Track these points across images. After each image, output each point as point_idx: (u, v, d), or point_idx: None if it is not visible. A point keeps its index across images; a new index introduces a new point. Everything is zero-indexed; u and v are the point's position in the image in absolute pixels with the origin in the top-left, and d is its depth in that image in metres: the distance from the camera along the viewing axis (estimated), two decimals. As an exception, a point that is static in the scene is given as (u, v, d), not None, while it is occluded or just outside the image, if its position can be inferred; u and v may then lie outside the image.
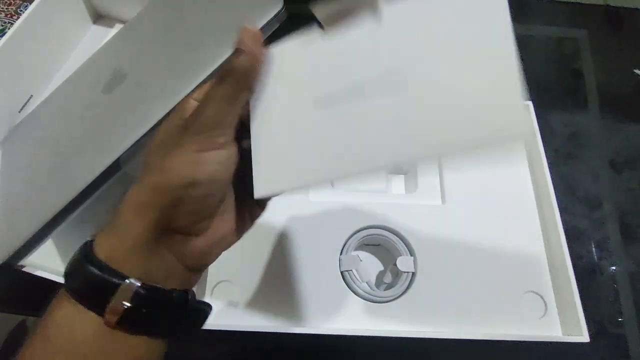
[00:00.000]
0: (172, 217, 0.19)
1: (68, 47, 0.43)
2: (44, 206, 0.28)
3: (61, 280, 0.30)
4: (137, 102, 0.29)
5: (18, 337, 0.39)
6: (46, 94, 0.39)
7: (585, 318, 0.29)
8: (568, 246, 0.38)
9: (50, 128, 0.34)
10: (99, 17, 0.46)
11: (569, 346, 0.30)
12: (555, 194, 0.39)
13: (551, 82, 0.48)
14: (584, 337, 0.28)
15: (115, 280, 0.18)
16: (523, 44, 0.51)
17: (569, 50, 0.51)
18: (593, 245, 0.39)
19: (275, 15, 0.27)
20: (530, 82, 0.51)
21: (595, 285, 0.37)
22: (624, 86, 0.48)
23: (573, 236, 0.39)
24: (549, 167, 0.42)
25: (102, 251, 0.18)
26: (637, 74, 0.48)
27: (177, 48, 0.30)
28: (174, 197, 0.18)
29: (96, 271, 0.18)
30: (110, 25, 0.45)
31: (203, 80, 0.28)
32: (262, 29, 0.27)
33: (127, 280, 0.18)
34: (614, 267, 0.38)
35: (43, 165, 0.32)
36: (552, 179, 0.41)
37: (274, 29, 0.29)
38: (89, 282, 0.18)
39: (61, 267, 0.36)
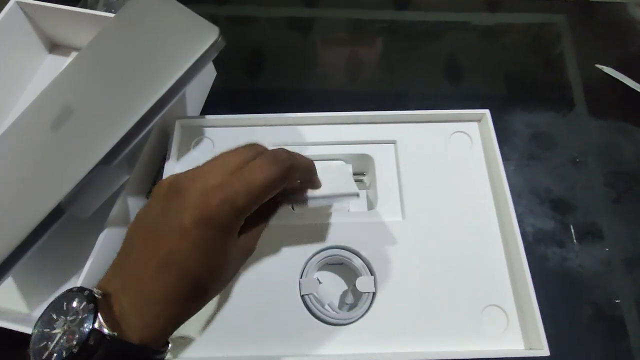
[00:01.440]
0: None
1: (24, 78, 0.43)
2: None
3: (14, 326, 0.30)
4: (80, 140, 0.29)
5: None
6: (3, 127, 0.38)
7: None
8: (536, 249, 0.38)
9: (1, 169, 0.34)
10: (55, 47, 0.46)
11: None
12: (521, 197, 0.39)
13: (514, 81, 0.48)
14: (544, 351, 0.28)
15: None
16: (500, 34, 0.51)
17: (546, 40, 0.51)
18: (565, 245, 0.39)
19: (212, 45, 0.27)
20: (500, 78, 0.51)
21: (565, 286, 0.37)
22: (587, 82, 0.48)
23: (540, 239, 0.39)
24: (515, 170, 0.42)
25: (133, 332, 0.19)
26: (600, 69, 0.48)
27: (120, 80, 0.30)
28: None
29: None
30: (67, 54, 0.45)
31: (142, 117, 0.27)
32: (200, 59, 0.27)
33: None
34: (591, 264, 0.38)
35: None
36: (518, 181, 0.41)
37: (213, 58, 0.29)
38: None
39: (21, 308, 0.36)
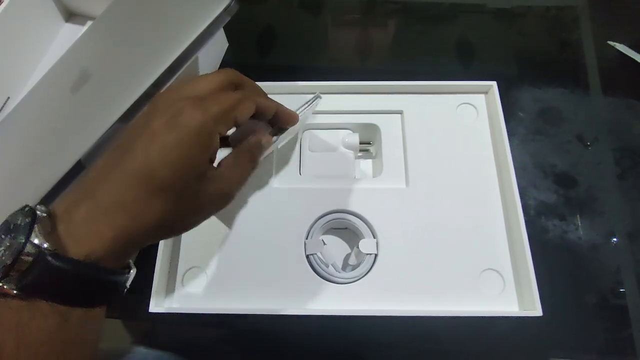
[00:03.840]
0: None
1: (42, 47, 0.44)
2: (12, 206, 0.29)
3: None
4: (99, 101, 0.30)
5: None
6: (23, 95, 0.40)
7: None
8: (537, 221, 0.39)
9: (24, 131, 0.35)
10: (71, 15, 0.47)
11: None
12: (526, 170, 0.40)
13: (525, 59, 0.48)
14: (537, 311, 0.29)
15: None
16: (514, 15, 0.51)
17: (560, 20, 0.51)
18: (567, 219, 0.40)
19: (225, 9, 0.28)
20: (511, 55, 0.51)
21: (562, 257, 0.38)
22: (599, 60, 0.48)
23: (542, 211, 0.40)
24: (521, 144, 0.43)
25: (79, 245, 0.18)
26: (613, 46, 0.48)
27: (136, 45, 0.31)
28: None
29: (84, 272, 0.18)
30: (83, 23, 0.46)
31: (157, 79, 0.29)
32: (213, 22, 0.28)
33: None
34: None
35: (16, 167, 0.34)
36: (523, 155, 0.42)
37: (225, 22, 0.29)
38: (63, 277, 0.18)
39: None
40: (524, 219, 0.32)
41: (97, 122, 0.30)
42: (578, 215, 0.40)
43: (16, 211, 0.19)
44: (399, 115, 0.38)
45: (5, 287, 0.17)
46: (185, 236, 0.35)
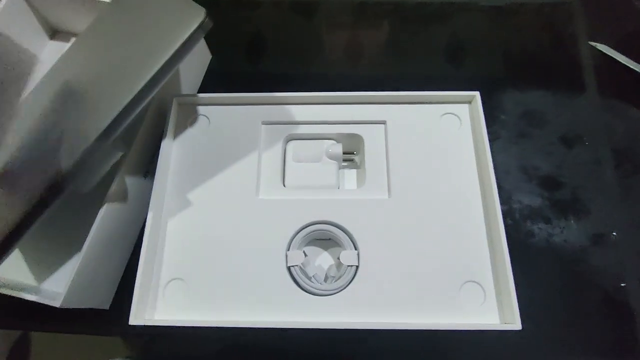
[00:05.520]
0: None
1: (26, 64, 0.45)
2: None
3: (22, 295, 0.32)
4: (78, 118, 0.31)
5: (22, 349, 0.42)
6: (7, 111, 0.40)
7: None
8: (523, 225, 0.39)
9: (7, 149, 0.36)
10: (56, 33, 0.47)
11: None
12: (509, 174, 0.39)
13: (511, 61, 0.48)
14: (516, 325, 0.29)
15: None
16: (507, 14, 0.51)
17: (554, 20, 0.51)
18: (552, 222, 0.39)
19: (199, 25, 0.28)
20: (491, 61, 0.51)
21: (548, 261, 0.38)
22: (579, 59, 0.48)
23: (527, 215, 0.40)
24: (505, 147, 0.43)
25: None
26: (594, 46, 0.47)
27: (116, 62, 0.32)
28: None
29: None
30: (67, 40, 0.47)
31: (134, 96, 0.29)
32: (188, 40, 0.28)
33: None
34: (576, 241, 0.38)
35: None
36: (507, 158, 0.42)
37: (201, 38, 0.30)
38: None
39: (28, 280, 0.38)
40: (504, 229, 0.32)
41: (77, 139, 0.30)
42: (564, 218, 0.40)
43: None
44: (383, 125, 0.38)
45: None
46: (167, 248, 0.35)
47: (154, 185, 0.35)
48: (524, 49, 0.49)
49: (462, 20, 0.51)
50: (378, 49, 0.50)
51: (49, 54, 0.46)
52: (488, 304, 0.32)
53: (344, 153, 0.38)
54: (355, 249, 0.34)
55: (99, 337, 0.37)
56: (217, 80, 0.48)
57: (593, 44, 0.47)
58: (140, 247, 0.33)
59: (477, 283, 0.32)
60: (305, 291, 0.33)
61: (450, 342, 0.34)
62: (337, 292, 0.32)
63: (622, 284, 0.37)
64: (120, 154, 0.33)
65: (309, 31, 0.51)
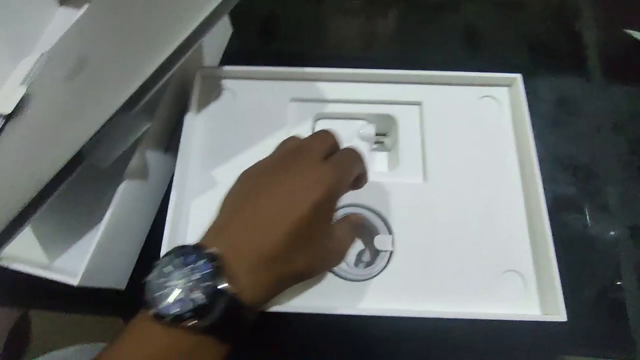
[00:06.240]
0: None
1: (35, 33, 0.42)
2: (11, 200, 0.28)
3: (40, 272, 0.30)
4: (97, 89, 0.29)
5: (22, 329, 0.40)
6: (15, 81, 0.38)
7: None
8: (557, 216, 0.38)
9: (18, 123, 0.34)
10: (65, -1, 0.44)
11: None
12: (543, 162, 0.38)
13: (545, 44, 0.46)
14: (562, 317, 0.28)
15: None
16: (519, 3, 0.49)
17: (569, 10, 0.49)
18: (586, 212, 0.38)
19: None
20: (522, 45, 0.50)
21: (589, 252, 0.37)
22: (617, 47, 0.46)
23: (562, 205, 0.38)
24: (537, 136, 0.41)
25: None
26: (630, 34, 0.46)
27: (136, 29, 0.29)
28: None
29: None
30: (78, 6, 0.44)
31: (162, 64, 0.27)
32: (220, 5, 0.26)
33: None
34: (612, 232, 0.37)
35: (12, 159, 0.32)
36: (539, 147, 0.40)
37: (232, 7, 0.28)
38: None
39: (41, 258, 0.36)
40: (548, 217, 0.31)
41: (98, 109, 0.28)
42: (596, 209, 0.38)
43: (183, 247, 0.20)
44: (418, 106, 0.37)
45: (195, 323, 0.19)
46: (190, 229, 0.33)
47: (177, 162, 0.33)
48: (545, 37, 0.47)
49: (473, 9, 0.49)
50: (393, 35, 0.48)
51: (58, 22, 0.43)
52: (529, 293, 0.30)
53: (375, 134, 0.37)
54: (390, 233, 0.32)
55: (114, 317, 0.36)
56: (234, 59, 0.46)
57: (629, 31, 0.46)
58: (159, 226, 0.31)
59: (517, 272, 0.31)
60: (337, 276, 0.31)
61: (488, 333, 0.32)
62: (370, 278, 0.31)
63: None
64: (145, 126, 0.31)
65: (325, 13, 0.49)
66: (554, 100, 0.43)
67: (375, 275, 0.31)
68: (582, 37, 0.47)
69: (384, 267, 0.31)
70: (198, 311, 0.19)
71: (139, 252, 0.38)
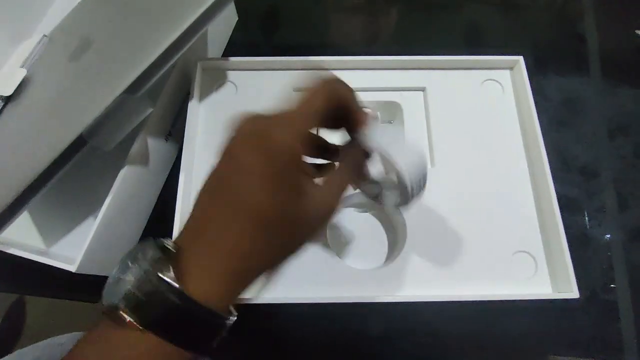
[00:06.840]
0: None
1: (37, 15, 0.41)
2: (10, 183, 0.27)
3: (37, 258, 0.29)
4: (102, 71, 0.28)
5: (17, 313, 0.40)
6: (20, 59, 0.36)
7: (577, 285, 0.29)
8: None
9: (20, 103, 0.33)
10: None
11: (561, 308, 0.29)
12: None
13: (549, 45, 0.46)
14: (574, 293, 0.28)
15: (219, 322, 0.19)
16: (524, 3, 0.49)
17: (572, 12, 0.49)
18: (586, 214, 0.38)
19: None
20: (526, 44, 0.49)
21: (587, 253, 0.37)
22: (624, 49, 0.46)
23: (564, 205, 0.39)
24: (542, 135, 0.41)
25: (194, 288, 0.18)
26: (639, 35, 0.46)
27: (142, 13, 0.29)
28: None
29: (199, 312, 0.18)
30: None
31: (167, 48, 0.26)
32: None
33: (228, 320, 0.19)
34: (608, 235, 0.38)
35: (13, 141, 0.31)
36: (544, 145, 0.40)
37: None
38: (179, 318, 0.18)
39: (37, 243, 0.36)
40: (556, 198, 0.31)
41: (102, 91, 0.28)
42: (600, 210, 0.39)
43: (146, 240, 0.19)
44: (422, 92, 0.37)
45: (130, 319, 0.17)
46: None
47: (183, 148, 0.33)
48: (548, 37, 0.47)
49: (474, 9, 0.48)
50: (394, 31, 0.48)
51: (60, 4, 0.42)
52: (540, 273, 0.31)
53: (380, 122, 0.37)
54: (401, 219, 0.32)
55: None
56: (237, 50, 0.45)
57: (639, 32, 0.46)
58: (158, 214, 0.30)
59: (528, 253, 0.31)
60: (351, 266, 0.31)
61: (503, 312, 0.33)
62: (385, 265, 0.31)
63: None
64: (148, 110, 0.30)
65: (329, 4, 0.49)
66: (559, 100, 0.43)
67: (387, 262, 0.31)
68: (586, 38, 0.46)
69: (398, 254, 0.31)
70: (130, 300, 0.17)
71: (138, 240, 0.38)
